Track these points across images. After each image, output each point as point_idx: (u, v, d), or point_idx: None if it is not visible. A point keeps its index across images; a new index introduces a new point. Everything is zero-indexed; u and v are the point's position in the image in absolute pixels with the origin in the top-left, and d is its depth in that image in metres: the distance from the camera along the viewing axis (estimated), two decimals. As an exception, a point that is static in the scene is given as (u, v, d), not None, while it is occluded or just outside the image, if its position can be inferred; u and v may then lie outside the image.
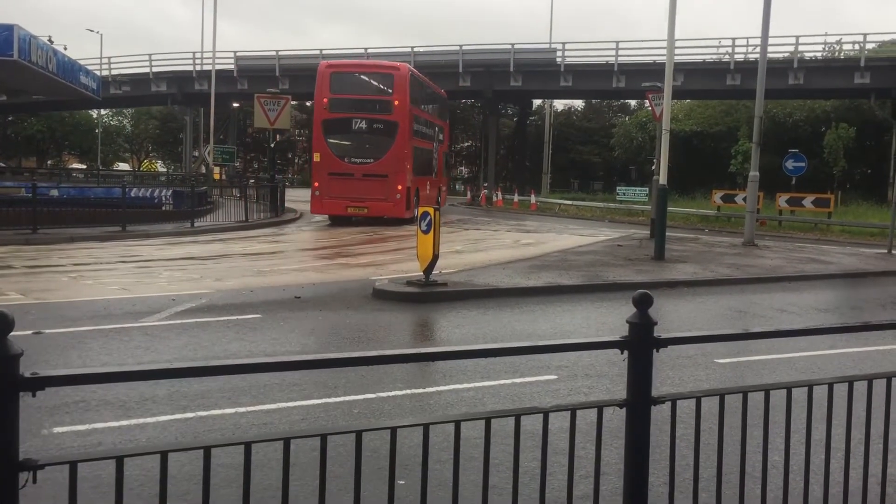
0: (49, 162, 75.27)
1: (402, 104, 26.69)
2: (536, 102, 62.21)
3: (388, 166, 26.31)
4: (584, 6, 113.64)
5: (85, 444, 5.26)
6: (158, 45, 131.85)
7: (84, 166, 70.56)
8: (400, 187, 26.30)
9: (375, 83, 27.86)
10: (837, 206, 33.31)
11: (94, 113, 73.26)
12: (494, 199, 45.80)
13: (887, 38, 46.01)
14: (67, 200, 22.98)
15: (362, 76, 28.36)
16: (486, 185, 49.32)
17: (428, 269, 12.09)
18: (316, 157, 27.09)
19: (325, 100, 26.75)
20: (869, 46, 41.84)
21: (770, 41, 23.30)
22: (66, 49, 26.56)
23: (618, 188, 44.55)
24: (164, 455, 2.43)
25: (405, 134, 26.70)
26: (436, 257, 12.02)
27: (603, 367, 7.53)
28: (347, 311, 10.53)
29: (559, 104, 69.93)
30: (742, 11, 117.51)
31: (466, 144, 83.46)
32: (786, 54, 42.38)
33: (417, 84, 29.18)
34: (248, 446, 2.52)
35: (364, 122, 26.82)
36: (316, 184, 26.74)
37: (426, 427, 2.80)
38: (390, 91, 26.97)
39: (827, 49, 46.68)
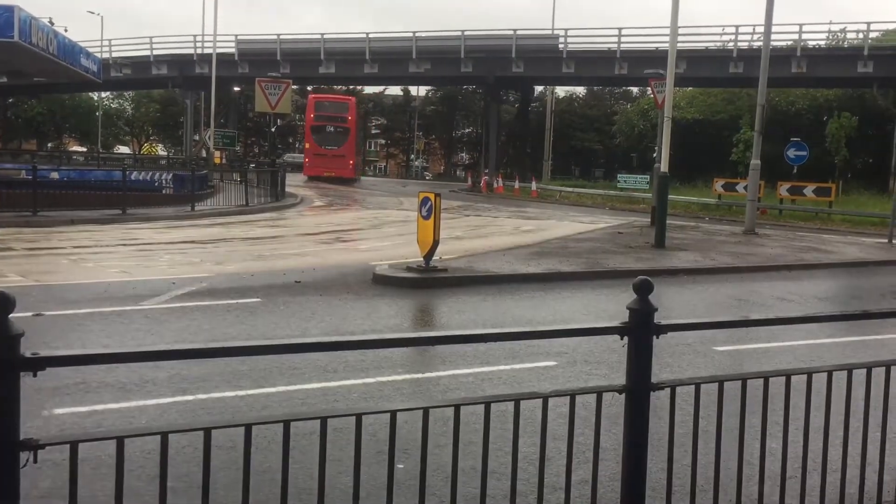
0: (49, 144, 74.98)
1: (353, 117, 49.40)
2: (538, 89, 61.96)
3: (345, 150, 47.73)
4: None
5: (85, 424, 5.28)
6: (140, 26, 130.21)
7: (84, 149, 70.33)
8: (351, 162, 48.58)
9: (338, 105, 49.73)
10: (839, 196, 33.25)
11: (95, 96, 73.01)
12: (495, 185, 45.74)
13: (891, 27, 45.72)
14: (68, 183, 22.84)
15: (332, 102, 50.46)
16: (486, 171, 49.26)
17: (428, 255, 12.10)
18: (307, 145, 48.88)
19: (312, 115, 48.34)
20: (872, 35, 41.64)
21: (773, 29, 23.19)
22: (66, 31, 26.45)
23: (619, 176, 44.47)
24: (164, 436, 2.44)
25: (353, 133, 48.95)
26: (436, 243, 12.02)
27: (602, 353, 7.54)
28: (347, 295, 10.54)
29: (561, 91, 69.63)
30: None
31: (467, 131, 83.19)
32: (789, 43, 42.15)
33: (358, 104, 54.76)
34: (248, 428, 2.53)
35: (333, 127, 47.61)
36: (307, 160, 48.57)
37: (426, 411, 2.80)
38: (346, 110, 49.01)
39: (830, 38, 46.51)
